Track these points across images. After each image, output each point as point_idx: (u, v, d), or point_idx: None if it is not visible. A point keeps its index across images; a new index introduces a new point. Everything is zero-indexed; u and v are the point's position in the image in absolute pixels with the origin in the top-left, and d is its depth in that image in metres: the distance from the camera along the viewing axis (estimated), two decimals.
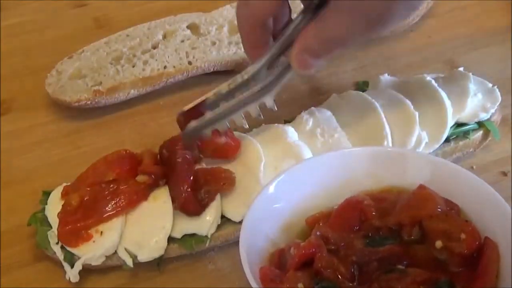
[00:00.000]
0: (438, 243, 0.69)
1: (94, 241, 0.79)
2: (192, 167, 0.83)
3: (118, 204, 0.81)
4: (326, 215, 0.76)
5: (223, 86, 0.80)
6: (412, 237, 0.71)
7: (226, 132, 0.85)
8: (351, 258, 0.69)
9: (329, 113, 0.92)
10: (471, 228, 0.70)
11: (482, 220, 0.71)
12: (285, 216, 0.76)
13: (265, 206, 0.74)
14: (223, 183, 0.82)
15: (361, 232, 0.73)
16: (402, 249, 0.70)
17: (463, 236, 0.69)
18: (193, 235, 0.82)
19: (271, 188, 0.75)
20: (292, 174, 0.77)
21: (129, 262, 0.80)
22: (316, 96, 1.03)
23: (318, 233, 0.72)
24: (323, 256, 0.69)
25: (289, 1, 0.78)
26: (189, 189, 0.80)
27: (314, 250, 0.69)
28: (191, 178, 0.81)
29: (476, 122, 0.94)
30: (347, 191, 0.77)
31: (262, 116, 0.82)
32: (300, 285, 0.67)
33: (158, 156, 0.86)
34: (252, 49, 0.79)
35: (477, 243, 0.69)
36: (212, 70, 1.05)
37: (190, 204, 0.80)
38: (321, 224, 0.74)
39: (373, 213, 0.73)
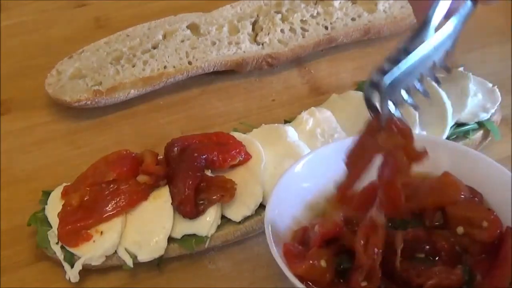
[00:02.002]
0: (460, 229, 0.69)
1: (94, 241, 0.79)
2: (202, 169, 0.83)
3: (118, 204, 0.81)
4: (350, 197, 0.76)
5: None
6: (435, 223, 0.71)
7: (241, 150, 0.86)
8: None
9: (329, 113, 0.92)
10: (493, 217, 0.71)
11: (505, 210, 0.72)
12: (310, 195, 0.77)
13: (291, 184, 0.75)
14: (223, 195, 0.82)
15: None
16: (424, 234, 0.70)
17: (485, 224, 0.69)
18: (193, 235, 0.82)
19: (298, 167, 0.76)
20: (319, 155, 0.78)
21: (129, 262, 0.80)
22: (316, 96, 1.03)
23: (342, 213, 0.72)
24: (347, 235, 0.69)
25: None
26: (193, 190, 0.80)
27: (338, 229, 0.70)
28: (198, 179, 0.81)
29: (476, 122, 0.94)
30: (372, 175, 0.76)
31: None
32: (322, 261, 0.68)
33: (163, 154, 0.86)
34: None
35: (498, 231, 0.70)
36: (212, 70, 1.05)
37: (188, 205, 0.80)
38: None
39: None
